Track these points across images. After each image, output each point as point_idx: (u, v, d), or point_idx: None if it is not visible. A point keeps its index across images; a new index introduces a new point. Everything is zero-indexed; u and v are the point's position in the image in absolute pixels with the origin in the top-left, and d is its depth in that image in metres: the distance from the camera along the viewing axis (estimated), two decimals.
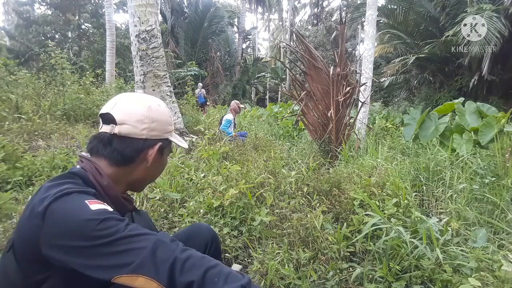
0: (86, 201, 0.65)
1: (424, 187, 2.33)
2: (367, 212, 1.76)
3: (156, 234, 0.66)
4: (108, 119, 0.78)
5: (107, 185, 0.77)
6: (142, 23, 4.49)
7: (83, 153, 0.82)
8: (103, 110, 0.79)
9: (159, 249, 0.62)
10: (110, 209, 0.68)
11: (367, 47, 4.92)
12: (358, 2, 11.80)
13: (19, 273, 0.67)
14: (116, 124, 0.77)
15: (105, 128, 0.79)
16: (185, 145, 0.95)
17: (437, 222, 1.61)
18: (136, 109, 0.79)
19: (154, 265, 0.60)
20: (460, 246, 1.50)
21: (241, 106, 5.70)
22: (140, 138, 0.79)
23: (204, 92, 10.44)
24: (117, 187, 0.81)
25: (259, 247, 1.77)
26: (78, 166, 0.79)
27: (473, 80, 7.48)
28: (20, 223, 0.70)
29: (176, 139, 0.91)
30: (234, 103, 5.51)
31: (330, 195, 2.16)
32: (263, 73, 21.48)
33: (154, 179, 0.94)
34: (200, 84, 11.07)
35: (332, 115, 3.49)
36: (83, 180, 0.75)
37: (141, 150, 0.80)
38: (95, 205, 0.65)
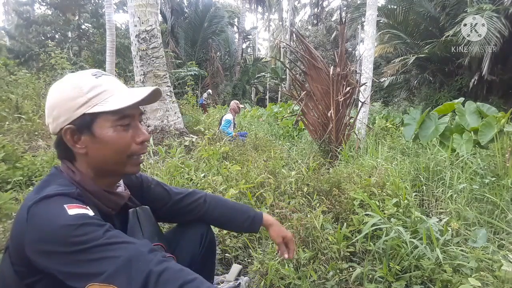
0: (65, 205, 0.64)
1: (424, 187, 2.32)
2: (367, 212, 1.76)
3: (135, 243, 0.64)
4: None
5: (81, 180, 0.75)
6: (142, 23, 4.49)
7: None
8: None
9: (135, 260, 0.60)
10: (91, 213, 0.66)
11: (367, 47, 4.92)
12: (358, 2, 11.80)
13: (13, 275, 0.67)
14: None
15: None
16: (130, 99, 0.74)
17: (437, 222, 1.61)
18: (45, 107, 0.76)
19: (127, 276, 0.58)
20: (460, 246, 1.50)
21: (241, 106, 5.70)
22: (57, 130, 0.75)
23: (204, 96, 10.86)
24: (94, 181, 0.77)
25: (259, 247, 1.77)
26: (57, 169, 0.79)
27: (473, 80, 7.48)
28: (12, 227, 0.70)
29: (105, 105, 0.72)
30: (233, 103, 5.52)
31: (330, 195, 2.16)
32: (263, 73, 21.46)
33: (117, 157, 0.76)
34: (209, 91, 11.88)
35: (332, 115, 3.49)
36: (65, 180, 0.75)
37: (62, 140, 0.75)
38: (74, 210, 0.64)
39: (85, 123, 0.72)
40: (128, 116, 0.76)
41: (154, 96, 0.80)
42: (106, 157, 0.75)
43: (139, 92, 0.76)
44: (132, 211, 0.90)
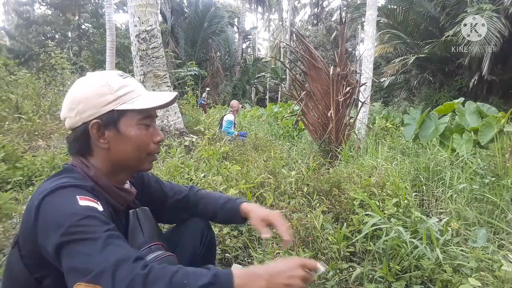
0: (77, 196, 0.65)
1: (424, 187, 2.32)
2: (367, 212, 1.76)
3: (128, 249, 0.64)
4: None
5: (94, 175, 0.77)
6: (142, 23, 4.49)
7: None
8: None
9: (123, 265, 0.60)
10: (100, 208, 0.67)
11: (367, 47, 4.93)
12: (358, 2, 11.79)
13: (23, 269, 0.68)
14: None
15: None
16: (157, 100, 0.80)
17: (437, 222, 1.61)
18: (65, 100, 0.77)
19: (112, 279, 0.58)
20: (460, 246, 1.50)
21: (240, 106, 5.73)
22: (79, 125, 0.76)
23: (204, 96, 11.00)
24: (107, 176, 0.79)
25: (259, 247, 1.77)
26: (69, 163, 0.80)
27: (473, 80, 7.48)
28: (22, 219, 0.71)
29: (133, 103, 0.77)
30: (235, 103, 5.52)
31: (330, 195, 2.16)
32: (263, 73, 21.46)
33: (138, 153, 0.81)
34: (207, 89, 12.24)
35: (332, 115, 3.49)
36: (79, 174, 0.76)
37: (87, 135, 0.77)
38: (84, 202, 0.65)
39: (112, 119, 0.76)
40: (150, 117, 0.82)
41: (174, 101, 0.85)
42: (128, 153, 0.80)
43: (164, 96, 0.83)
44: (132, 212, 0.92)
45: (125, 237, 0.85)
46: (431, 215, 2.03)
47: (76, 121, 0.76)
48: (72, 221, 0.61)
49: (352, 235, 1.71)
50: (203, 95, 11.15)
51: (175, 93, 0.85)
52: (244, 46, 24.28)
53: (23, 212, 1.92)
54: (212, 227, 1.19)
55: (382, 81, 11.24)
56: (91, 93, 0.75)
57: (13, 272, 0.72)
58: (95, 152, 0.79)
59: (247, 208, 1.00)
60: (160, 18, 13.33)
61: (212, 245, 1.13)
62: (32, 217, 0.65)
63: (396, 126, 5.58)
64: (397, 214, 1.75)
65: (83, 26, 14.94)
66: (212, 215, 1.08)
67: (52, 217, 0.63)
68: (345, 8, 19.46)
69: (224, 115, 5.44)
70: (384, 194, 2.01)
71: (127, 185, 0.91)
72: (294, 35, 19.10)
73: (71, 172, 0.76)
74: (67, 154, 3.26)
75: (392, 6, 9.19)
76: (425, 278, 1.38)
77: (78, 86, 0.77)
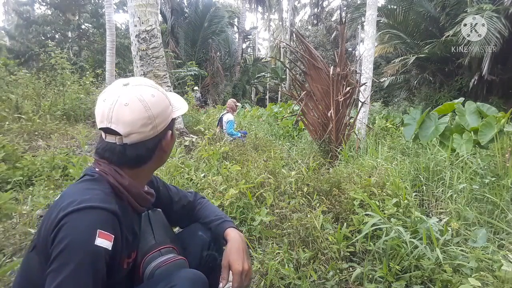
0: (98, 230, 0.65)
1: (424, 187, 2.32)
2: (367, 212, 1.76)
3: None
4: (111, 131, 0.75)
5: (129, 184, 0.78)
6: (142, 23, 4.49)
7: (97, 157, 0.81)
8: (101, 123, 0.75)
9: None
10: (110, 247, 0.67)
11: (367, 47, 4.93)
12: (358, 2, 11.80)
13: (42, 274, 0.67)
14: (122, 136, 0.74)
15: (110, 138, 0.76)
16: (185, 108, 0.88)
17: (437, 222, 1.61)
18: (136, 116, 0.74)
19: None
20: (460, 246, 1.50)
21: (238, 104, 5.71)
22: (151, 138, 0.78)
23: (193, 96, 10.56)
24: (138, 183, 0.82)
25: (259, 247, 1.77)
26: (96, 169, 0.78)
27: (473, 80, 7.48)
28: (43, 222, 0.71)
29: (177, 111, 0.86)
30: (231, 101, 5.50)
31: (330, 195, 2.16)
32: (263, 73, 21.44)
33: (170, 154, 0.91)
34: (199, 95, 11.35)
35: (332, 115, 3.48)
36: (109, 183, 0.76)
37: (156, 145, 0.80)
38: (101, 240, 0.65)
39: (171, 127, 0.84)
40: None
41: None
42: (167, 157, 0.88)
43: (179, 98, 0.91)
44: (144, 215, 0.92)
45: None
46: (431, 215, 2.03)
47: (148, 135, 0.77)
48: (76, 256, 0.62)
49: (352, 235, 1.71)
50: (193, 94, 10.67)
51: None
52: (244, 46, 24.24)
53: (21, 212, 1.90)
54: None
55: (382, 81, 11.23)
56: (162, 104, 0.79)
57: (33, 276, 0.71)
58: (154, 158, 0.82)
59: (229, 236, 0.98)
60: (160, 18, 13.32)
61: (220, 249, 1.09)
62: (52, 227, 0.65)
63: (396, 126, 5.58)
64: (397, 214, 1.76)
65: (83, 26, 14.92)
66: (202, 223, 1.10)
67: (66, 240, 0.63)
68: (345, 8, 19.45)
69: (223, 114, 5.39)
70: (384, 194, 2.01)
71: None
72: (294, 35, 19.10)
73: (102, 183, 0.75)
74: (67, 154, 3.25)
75: (392, 6, 9.18)
76: (425, 278, 1.38)
77: (147, 99, 0.75)
